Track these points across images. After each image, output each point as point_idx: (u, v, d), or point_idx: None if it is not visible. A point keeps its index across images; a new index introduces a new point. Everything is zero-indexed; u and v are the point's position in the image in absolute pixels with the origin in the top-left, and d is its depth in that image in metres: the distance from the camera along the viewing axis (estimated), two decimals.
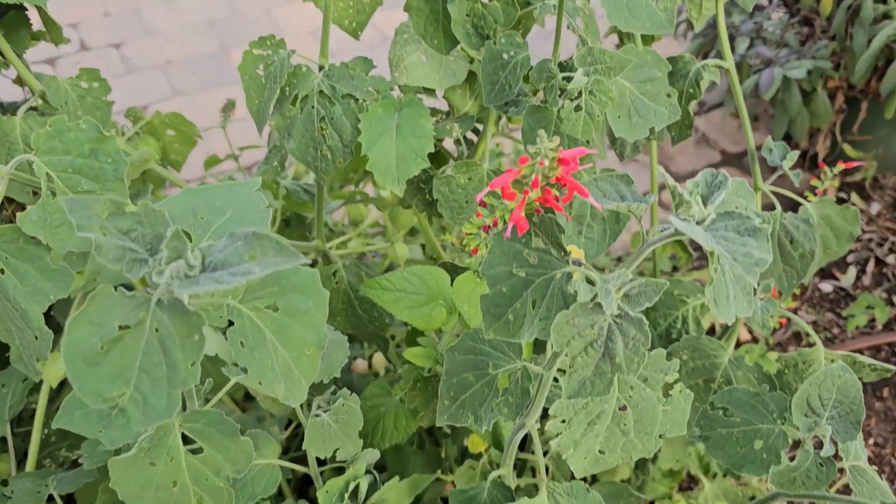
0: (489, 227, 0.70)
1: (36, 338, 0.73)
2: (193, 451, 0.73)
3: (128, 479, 0.70)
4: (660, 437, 0.69)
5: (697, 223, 0.57)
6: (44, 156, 0.72)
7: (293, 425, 1.52)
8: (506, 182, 0.60)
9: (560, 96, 0.86)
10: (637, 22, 0.85)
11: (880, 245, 2.58)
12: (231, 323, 0.65)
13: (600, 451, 0.71)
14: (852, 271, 2.49)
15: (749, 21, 2.41)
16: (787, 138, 2.69)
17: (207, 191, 0.65)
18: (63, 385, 1.49)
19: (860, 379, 1.04)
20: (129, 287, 0.66)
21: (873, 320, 2.36)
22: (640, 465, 1.45)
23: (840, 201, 2.68)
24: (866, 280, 2.49)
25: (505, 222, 0.67)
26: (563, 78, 0.87)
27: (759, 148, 1.17)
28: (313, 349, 0.66)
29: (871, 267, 2.52)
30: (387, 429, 1.14)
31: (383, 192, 1.84)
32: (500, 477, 0.96)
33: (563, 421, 0.69)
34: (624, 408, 0.69)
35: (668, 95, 0.92)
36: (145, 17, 3.50)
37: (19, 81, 1.34)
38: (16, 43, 1.25)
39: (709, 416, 0.87)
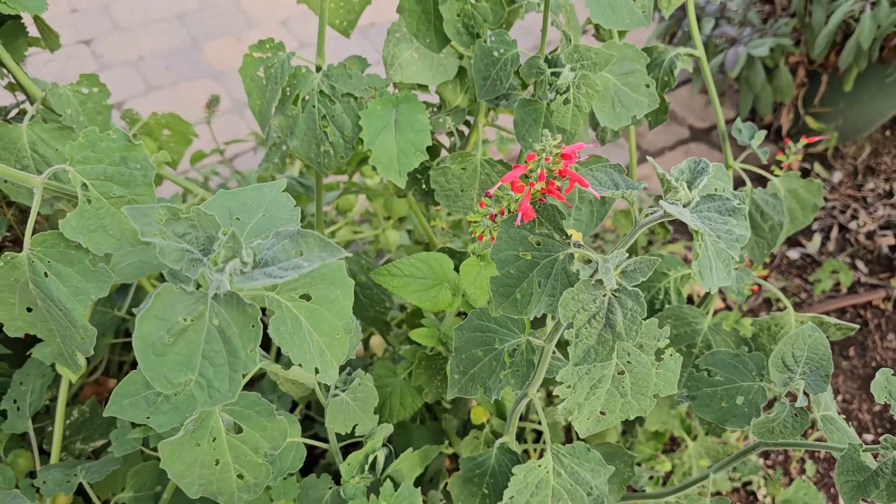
0: (496, 215, 0.77)
1: (80, 336, 0.78)
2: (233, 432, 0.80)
3: (175, 459, 0.77)
4: (654, 396, 0.78)
5: (684, 206, 0.64)
6: (78, 165, 0.77)
7: (298, 408, 1.59)
8: (515, 177, 0.67)
9: (549, 90, 0.93)
10: (618, 19, 0.92)
11: (843, 212, 2.71)
12: (263, 312, 0.71)
13: (601, 412, 0.79)
14: (817, 238, 2.61)
15: (714, 2, 2.49)
16: (753, 113, 2.79)
17: (240, 193, 0.71)
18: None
19: (827, 338, 1.14)
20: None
21: (838, 284, 2.49)
22: (628, 430, 1.55)
23: (804, 171, 2.80)
24: (831, 246, 2.61)
25: (511, 211, 0.74)
26: (552, 73, 0.94)
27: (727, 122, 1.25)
28: (342, 333, 0.73)
29: (834, 233, 2.64)
30: (394, 406, 1.21)
31: (369, 181, 1.90)
32: (504, 443, 1.04)
33: (569, 386, 0.77)
34: (622, 372, 0.77)
35: (648, 86, 1.00)
36: (113, 13, 3.49)
37: (11, 87, 1.37)
38: (14, 51, 1.28)
39: (694, 377, 0.96)
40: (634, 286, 0.67)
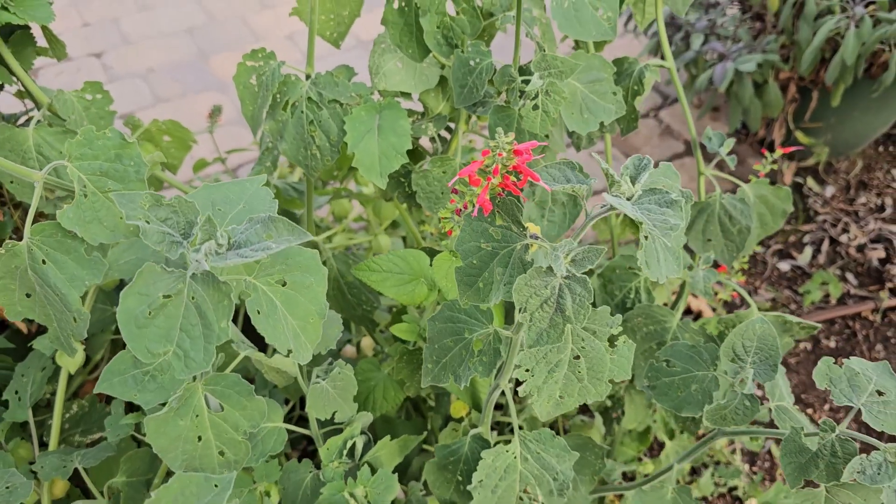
0: (461, 210, 0.82)
1: (74, 319, 0.84)
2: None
3: (160, 434, 0.82)
4: (610, 381, 0.83)
5: (627, 199, 0.70)
6: (76, 161, 0.84)
7: (289, 406, 1.64)
8: (472, 171, 0.72)
9: (520, 97, 0.99)
10: (585, 31, 0.98)
11: (834, 226, 2.75)
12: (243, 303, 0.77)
13: (560, 396, 0.84)
14: (808, 251, 2.65)
15: (704, 18, 2.56)
16: (744, 127, 2.85)
17: (223, 186, 0.77)
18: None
19: (793, 336, 1.19)
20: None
21: (828, 296, 2.52)
22: (608, 429, 1.59)
23: (797, 185, 2.85)
24: (821, 258, 2.65)
25: (473, 205, 0.80)
26: (522, 81, 1.00)
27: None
28: (316, 318, 0.79)
29: (825, 246, 2.68)
30: (377, 400, 1.26)
31: (365, 189, 1.96)
32: (478, 432, 1.09)
33: (528, 370, 0.82)
34: (577, 357, 0.82)
35: (615, 94, 1.06)
36: (124, 27, 3.58)
37: (20, 94, 1.44)
38: (23, 60, 1.35)
39: (655, 367, 1.01)
40: (583, 273, 0.72)
